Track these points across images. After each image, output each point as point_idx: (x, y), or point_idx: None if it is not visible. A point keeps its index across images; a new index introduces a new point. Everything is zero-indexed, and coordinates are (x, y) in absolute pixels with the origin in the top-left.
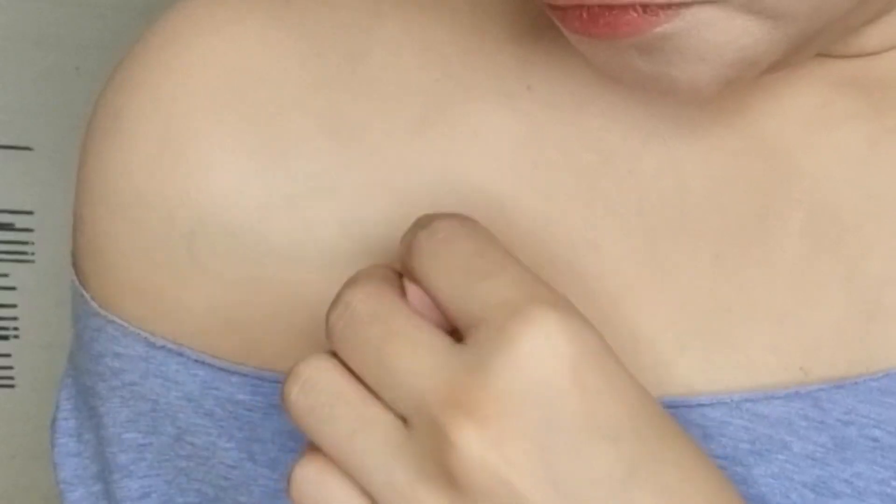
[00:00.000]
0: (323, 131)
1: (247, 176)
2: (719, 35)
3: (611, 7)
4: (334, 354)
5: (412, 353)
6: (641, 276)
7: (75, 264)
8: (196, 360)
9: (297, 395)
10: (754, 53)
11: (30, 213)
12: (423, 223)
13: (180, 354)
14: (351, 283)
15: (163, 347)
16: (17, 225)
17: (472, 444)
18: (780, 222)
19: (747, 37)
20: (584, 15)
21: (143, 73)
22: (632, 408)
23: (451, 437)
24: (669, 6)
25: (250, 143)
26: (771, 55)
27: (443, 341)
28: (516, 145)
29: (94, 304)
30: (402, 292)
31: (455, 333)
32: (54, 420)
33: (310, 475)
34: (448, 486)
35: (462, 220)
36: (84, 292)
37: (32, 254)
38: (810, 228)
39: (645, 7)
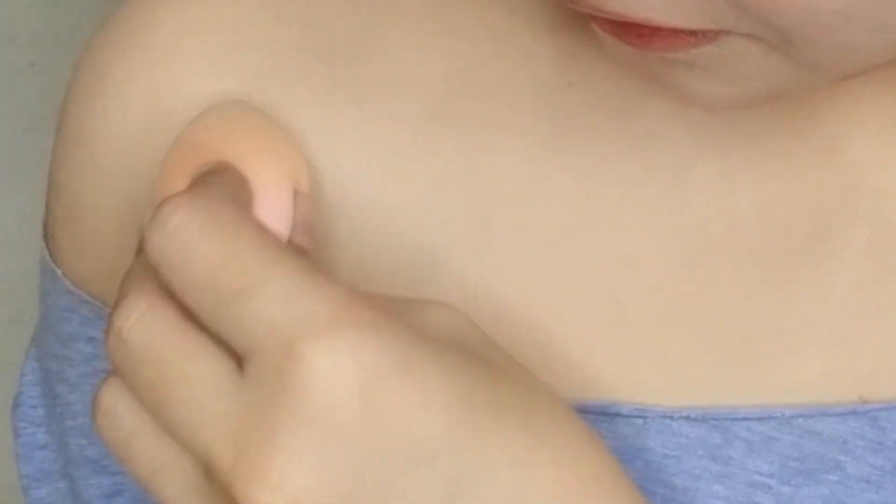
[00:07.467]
0: (321, 112)
1: None
2: (751, 67)
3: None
4: None
5: (190, 401)
6: (679, 295)
7: (47, 235)
8: None
9: (101, 422)
10: (779, 88)
11: None
12: (157, 208)
13: None
14: (121, 302)
15: None
16: None
17: None
18: (841, 241)
19: (777, 74)
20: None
21: (133, 32)
22: (450, 415)
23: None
24: (708, 31)
25: None
26: (796, 89)
27: (221, 377)
28: (549, 148)
29: (66, 282)
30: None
31: None
32: (17, 406)
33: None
34: None
35: (196, 199)
36: (55, 267)
37: None
38: (875, 248)
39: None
